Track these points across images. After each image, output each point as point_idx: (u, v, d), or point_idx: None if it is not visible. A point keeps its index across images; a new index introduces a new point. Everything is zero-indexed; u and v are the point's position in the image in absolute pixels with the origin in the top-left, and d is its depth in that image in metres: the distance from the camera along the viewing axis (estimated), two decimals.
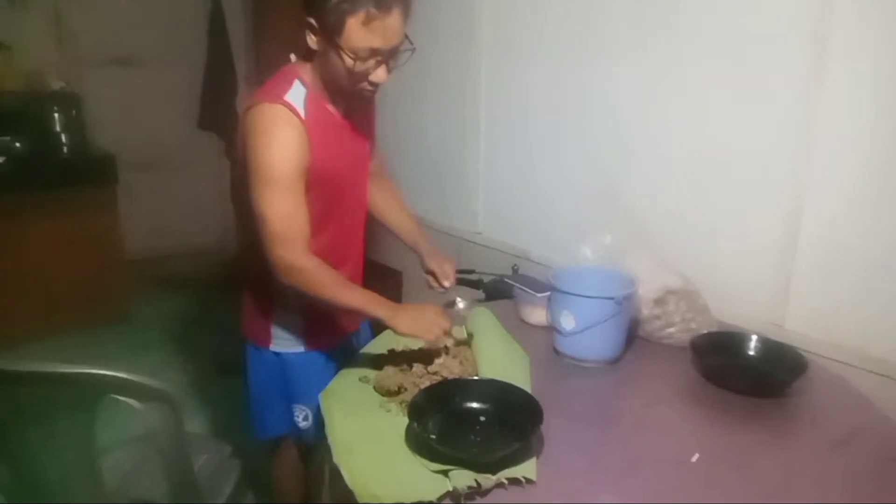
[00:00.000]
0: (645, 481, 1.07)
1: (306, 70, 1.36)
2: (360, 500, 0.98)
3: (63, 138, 3.43)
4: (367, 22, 1.19)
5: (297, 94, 1.32)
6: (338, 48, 1.23)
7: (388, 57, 1.26)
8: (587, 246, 1.60)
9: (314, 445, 1.55)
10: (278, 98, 1.29)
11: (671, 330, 1.53)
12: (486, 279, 1.98)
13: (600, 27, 1.91)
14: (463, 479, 0.99)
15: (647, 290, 1.51)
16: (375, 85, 1.30)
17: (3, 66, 3.42)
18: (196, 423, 2.43)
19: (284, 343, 1.52)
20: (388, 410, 1.23)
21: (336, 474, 1.16)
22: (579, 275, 1.53)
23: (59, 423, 1.10)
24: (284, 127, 1.27)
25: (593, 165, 1.99)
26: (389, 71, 1.28)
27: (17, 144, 3.19)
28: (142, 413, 1.11)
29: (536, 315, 1.64)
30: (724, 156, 1.66)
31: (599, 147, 1.97)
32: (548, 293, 1.54)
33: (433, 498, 0.98)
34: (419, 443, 1.09)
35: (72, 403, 1.08)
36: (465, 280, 2.10)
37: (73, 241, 3.26)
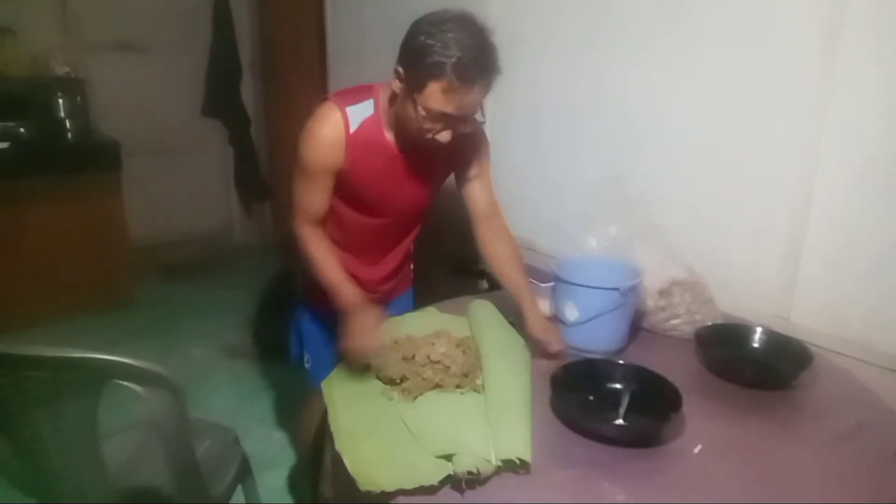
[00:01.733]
0: (647, 471, 1.07)
1: (386, 96, 1.40)
2: (361, 487, 0.98)
3: (67, 124, 3.43)
4: (446, 90, 1.24)
5: (361, 111, 1.41)
6: (414, 101, 1.28)
7: (457, 123, 1.31)
8: (593, 236, 1.60)
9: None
10: (342, 105, 1.40)
11: (676, 322, 1.53)
12: (490, 269, 1.97)
13: (612, 20, 1.88)
14: (464, 464, 0.99)
15: (652, 281, 1.50)
16: (437, 142, 1.33)
17: (8, 51, 3.41)
18: (199, 409, 2.45)
19: (317, 303, 1.65)
20: (391, 398, 1.23)
21: (338, 463, 1.16)
22: (584, 265, 1.52)
23: (63, 408, 1.10)
24: (326, 129, 1.39)
25: (601, 157, 1.98)
26: (455, 134, 1.33)
27: (22, 130, 3.19)
28: (144, 398, 1.11)
29: (540, 305, 1.63)
30: (733, 148, 1.64)
31: (609, 138, 1.95)
32: (552, 283, 1.53)
33: (434, 481, 0.98)
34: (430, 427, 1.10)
35: (75, 388, 1.08)
36: (469, 270, 2.09)
37: (77, 227, 3.26)
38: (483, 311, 1.54)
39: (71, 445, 1.15)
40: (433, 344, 1.33)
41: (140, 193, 3.66)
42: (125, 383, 1.08)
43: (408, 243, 1.73)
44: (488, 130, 2.35)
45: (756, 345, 1.46)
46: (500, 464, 1.02)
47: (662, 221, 1.63)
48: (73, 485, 1.21)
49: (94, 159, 3.34)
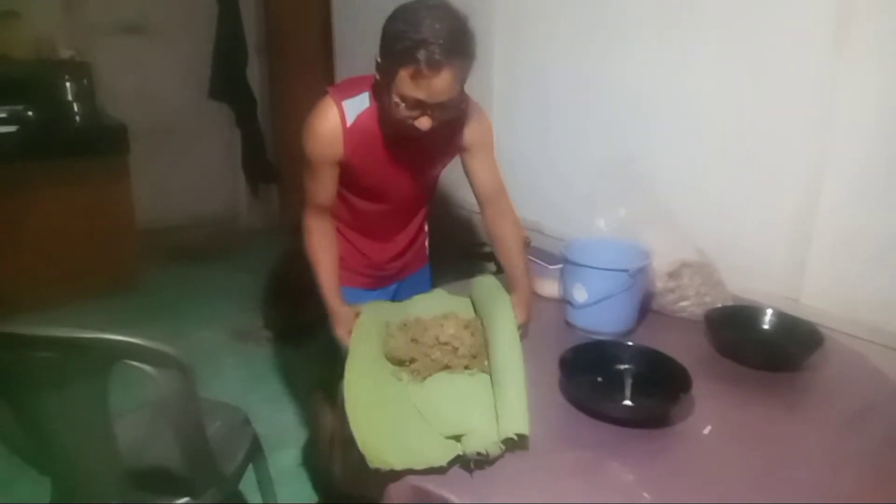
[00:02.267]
0: (655, 452, 1.07)
1: None
2: (371, 465, 0.98)
3: (74, 107, 3.43)
4: (414, 76, 1.25)
5: (357, 104, 1.44)
6: (389, 89, 1.30)
7: (433, 109, 1.31)
8: (601, 218, 1.59)
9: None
10: (339, 99, 1.43)
11: (685, 303, 1.52)
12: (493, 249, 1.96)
13: (620, 0, 1.86)
14: (473, 445, 1.00)
15: (661, 262, 1.50)
16: (418, 130, 1.34)
17: (13, 35, 3.40)
18: (208, 391, 2.46)
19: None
20: (400, 379, 1.24)
21: (348, 443, 1.17)
22: (592, 247, 1.52)
23: (74, 388, 1.11)
24: (323, 124, 1.43)
25: (609, 139, 1.96)
26: (434, 121, 1.33)
27: (29, 113, 3.19)
28: (155, 379, 1.12)
29: (548, 287, 1.63)
30: (743, 128, 1.62)
31: (616, 120, 1.93)
32: (560, 265, 1.53)
33: (443, 462, 0.98)
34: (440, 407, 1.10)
35: (85, 368, 1.09)
36: (477, 253, 2.09)
37: (84, 210, 3.27)
38: (482, 289, 1.53)
39: (82, 425, 1.16)
40: (442, 325, 1.33)
41: (147, 176, 3.65)
42: (135, 364, 1.09)
43: (417, 222, 1.74)
44: (494, 113, 2.35)
45: (766, 326, 1.45)
46: (507, 441, 1.02)
47: (672, 203, 1.62)
48: (84, 464, 1.22)
49: (101, 142, 3.33)
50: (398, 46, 1.25)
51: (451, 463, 1.00)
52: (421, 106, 1.30)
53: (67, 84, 3.40)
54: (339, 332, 1.42)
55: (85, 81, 3.50)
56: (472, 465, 0.99)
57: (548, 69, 2.13)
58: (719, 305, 1.51)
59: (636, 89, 1.86)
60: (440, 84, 1.26)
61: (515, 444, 1.03)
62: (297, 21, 3.83)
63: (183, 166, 4.16)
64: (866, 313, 1.45)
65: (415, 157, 1.51)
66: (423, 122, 1.33)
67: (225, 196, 4.50)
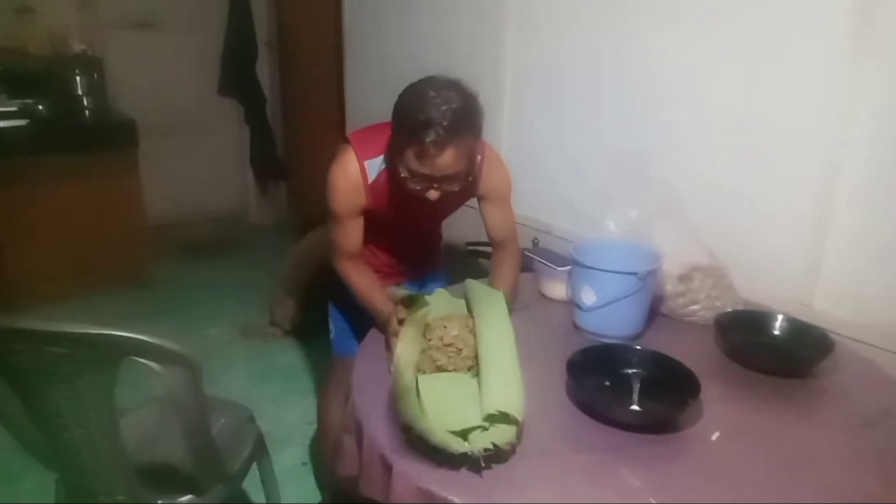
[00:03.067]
0: (664, 457, 1.06)
1: None
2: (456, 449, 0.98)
3: (85, 102, 3.44)
4: (419, 155, 1.30)
5: (378, 163, 1.48)
6: (399, 161, 1.35)
7: (440, 181, 1.35)
8: (611, 219, 1.57)
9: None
10: (361, 156, 1.47)
11: (695, 307, 1.51)
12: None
13: None
14: (481, 442, 0.99)
15: (671, 265, 1.48)
16: (427, 199, 1.38)
17: (27, 29, 3.42)
18: (214, 387, 2.47)
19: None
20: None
21: (349, 444, 1.17)
22: (601, 248, 1.51)
23: (82, 383, 1.11)
24: (346, 181, 1.47)
25: (623, 134, 1.94)
26: (442, 192, 1.37)
27: (40, 107, 3.20)
28: (162, 375, 1.12)
29: (556, 289, 1.62)
30: (757, 128, 1.61)
31: (629, 117, 1.92)
32: (568, 267, 1.52)
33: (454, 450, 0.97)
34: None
35: (93, 364, 1.09)
36: (484, 252, 2.08)
37: (93, 205, 3.28)
38: (475, 290, 1.52)
39: (89, 420, 1.17)
40: (445, 327, 1.32)
41: (156, 172, 3.67)
42: (142, 360, 1.09)
43: (431, 239, 1.82)
44: (505, 110, 2.34)
45: (776, 331, 1.43)
46: (491, 445, 1.00)
47: (683, 203, 1.61)
48: (91, 459, 1.22)
49: (111, 138, 3.35)
50: (405, 125, 1.30)
51: (461, 465, 0.99)
52: (428, 179, 1.34)
53: (78, 79, 3.42)
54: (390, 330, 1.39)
55: (96, 76, 3.52)
56: (482, 463, 0.98)
57: (560, 64, 2.12)
58: (730, 310, 1.49)
59: (650, 85, 1.84)
60: (445, 161, 1.30)
61: (506, 421, 1.01)
62: (306, 17, 3.83)
63: (192, 162, 4.18)
64: (880, 319, 1.44)
65: (431, 207, 1.52)
66: (431, 194, 1.37)
67: (234, 192, 4.51)
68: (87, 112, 3.43)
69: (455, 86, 1.32)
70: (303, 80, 4.06)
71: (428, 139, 1.26)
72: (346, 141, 1.51)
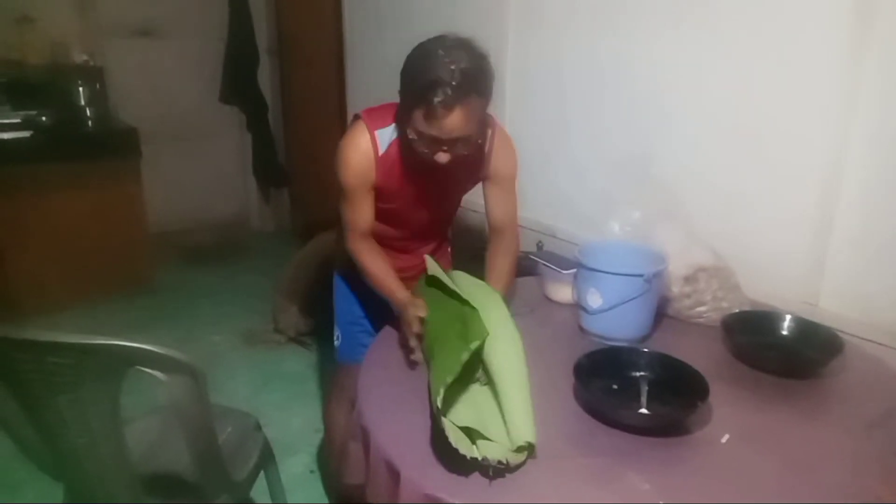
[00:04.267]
0: (672, 460, 1.05)
1: None
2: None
3: (87, 111, 3.45)
4: (427, 116, 1.27)
5: (389, 133, 1.45)
6: (407, 124, 1.34)
7: (449, 144, 1.33)
8: (615, 221, 1.57)
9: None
10: (372, 127, 1.45)
11: (702, 308, 1.50)
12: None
13: None
14: (493, 452, 0.98)
15: (677, 267, 1.48)
16: (437, 163, 1.36)
17: (29, 40, 3.43)
18: (218, 394, 2.47)
19: (339, 269, 1.77)
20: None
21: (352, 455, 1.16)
22: (607, 251, 1.50)
23: (86, 393, 1.11)
24: (357, 152, 1.45)
25: (626, 135, 1.94)
26: (451, 155, 1.34)
27: (43, 118, 3.21)
28: (166, 384, 1.11)
29: (562, 292, 1.62)
30: (761, 127, 1.60)
31: (634, 117, 1.91)
32: (574, 270, 1.51)
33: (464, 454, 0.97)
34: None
35: (98, 374, 1.09)
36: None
37: (96, 214, 3.29)
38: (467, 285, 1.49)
39: (94, 430, 1.16)
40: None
41: (158, 180, 3.68)
42: (147, 370, 1.08)
43: (441, 234, 1.77)
44: (507, 110, 2.34)
45: (784, 332, 1.43)
46: (524, 455, 1.00)
47: (687, 204, 1.60)
48: (96, 469, 1.22)
49: (113, 146, 3.36)
50: (413, 86, 1.27)
51: (469, 470, 0.98)
52: (437, 142, 1.32)
53: (80, 88, 3.43)
54: (406, 318, 1.36)
55: (97, 86, 3.53)
56: (491, 473, 0.97)
57: (562, 66, 2.12)
58: (736, 311, 1.48)
59: (652, 87, 1.84)
60: (453, 123, 1.28)
61: (529, 452, 1.01)
62: (307, 24, 3.84)
63: (194, 169, 4.19)
64: (887, 318, 1.43)
65: (440, 185, 1.53)
66: (442, 157, 1.34)
67: (236, 199, 4.51)
68: (89, 121, 3.44)
69: (465, 45, 1.29)
70: (304, 86, 4.06)
71: (435, 99, 1.23)
72: (355, 117, 1.49)
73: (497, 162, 1.53)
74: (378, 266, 1.53)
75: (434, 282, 1.45)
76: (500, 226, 1.60)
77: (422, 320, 1.33)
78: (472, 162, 1.47)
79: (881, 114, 1.39)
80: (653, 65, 1.83)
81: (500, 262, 1.59)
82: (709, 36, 1.68)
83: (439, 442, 1.01)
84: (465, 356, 1.07)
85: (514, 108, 2.32)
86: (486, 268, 1.60)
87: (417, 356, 1.31)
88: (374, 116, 1.46)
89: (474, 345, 1.10)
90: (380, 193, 1.51)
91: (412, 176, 1.48)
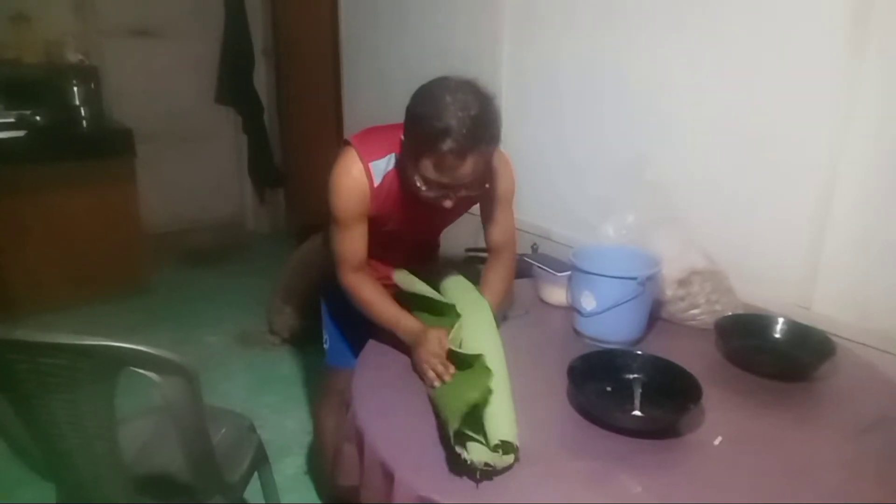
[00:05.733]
0: (665, 463, 1.05)
1: None
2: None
3: (82, 111, 3.44)
4: (438, 165, 1.23)
5: (383, 165, 1.40)
6: (413, 168, 1.28)
7: (457, 190, 1.29)
8: (610, 224, 1.57)
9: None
10: (366, 157, 1.39)
11: (695, 311, 1.51)
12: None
13: None
14: (481, 454, 0.99)
15: (671, 270, 1.48)
16: (441, 206, 1.32)
17: (24, 38, 3.42)
18: (213, 396, 2.46)
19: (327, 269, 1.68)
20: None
21: (350, 455, 1.16)
22: (601, 254, 1.51)
23: (80, 394, 1.11)
24: (352, 184, 1.39)
25: (620, 142, 1.95)
26: (457, 201, 1.32)
27: (37, 118, 3.21)
28: (160, 385, 1.11)
29: (556, 295, 1.62)
30: (757, 132, 1.61)
31: (630, 120, 1.92)
32: (568, 272, 1.52)
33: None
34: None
35: (91, 375, 1.08)
36: (484, 259, 2.07)
37: (91, 214, 3.28)
38: (455, 289, 1.51)
39: (87, 431, 1.16)
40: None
41: (154, 180, 3.67)
42: (141, 371, 1.08)
43: (430, 248, 1.78)
44: (504, 115, 2.33)
45: (777, 335, 1.43)
46: (510, 457, 1.01)
47: (683, 207, 1.61)
48: (89, 470, 1.21)
49: (108, 146, 3.35)
50: (422, 133, 1.22)
51: (461, 471, 0.98)
52: (445, 188, 1.28)
53: (75, 88, 3.42)
54: (424, 355, 1.28)
55: (92, 85, 3.52)
56: (478, 476, 0.98)
57: (559, 69, 2.12)
58: (730, 314, 1.49)
59: (650, 89, 1.85)
60: (465, 171, 1.24)
61: (508, 450, 1.01)
62: (304, 26, 3.84)
63: (190, 170, 4.18)
64: (880, 322, 1.43)
65: (438, 214, 1.48)
66: (446, 203, 1.31)
67: (231, 200, 4.51)
68: (84, 121, 3.44)
69: (471, 88, 1.25)
70: (300, 87, 4.06)
71: (447, 149, 1.19)
72: (345, 144, 1.44)
73: (496, 184, 1.49)
74: (377, 298, 1.45)
75: (411, 298, 1.44)
76: (499, 245, 1.56)
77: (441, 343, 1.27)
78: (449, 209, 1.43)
79: (877, 120, 1.39)
80: (649, 68, 1.83)
81: (497, 280, 1.56)
82: (706, 40, 1.69)
83: (445, 447, 1.01)
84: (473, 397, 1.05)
85: (510, 109, 2.32)
86: (482, 283, 1.57)
87: (444, 377, 1.22)
88: (367, 145, 1.41)
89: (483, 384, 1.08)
90: (374, 220, 1.46)
91: (408, 206, 1.44)
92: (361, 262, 1.47)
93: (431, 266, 1.85)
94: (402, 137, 1.31)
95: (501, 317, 1.49)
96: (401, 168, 1.38)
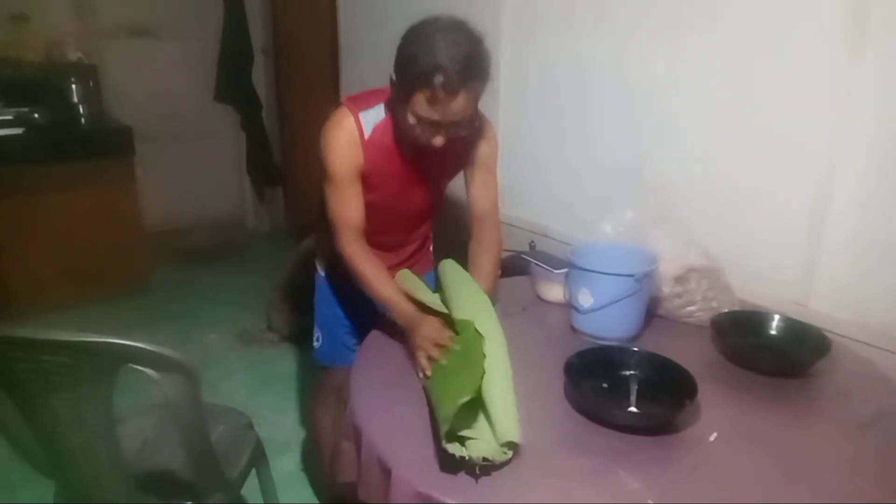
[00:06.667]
0: (662, 459, 1.06)
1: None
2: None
3: (81, 109, 3.44)
4: (430, 100, 1.27)
5: (373, 115, 1.44)
6: (405, 108, 1.32)
7: (447, 127, 1.33)
8: (608, 222, 1.58)
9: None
10: (355, 110, 1.43)
11: (692, 308, 1.51)
12: (503, 255, 1.96)
13: None
14: (479, 450, 0.99)
15: (668, 267, 1.49)
16: (433, 146, 1.36)
17: (23, 37, 3.42)
18: (213, 394, 2.47)
19: (320, 268, 1.76)
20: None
21: (347, 452, 1.16)
22: (599, 251, 1.51)
23: (80, 391, 1.11)
24: (343, 136, 1.42)
25: (618, 140, 1.95)
26: (447, 138, 1.34)
27: (36, 116, 3.20)
28: (160, 383, 1.12)
29: (554, 292, 1.63)
30: (755, 131, 1.62)
31: (628, 121, 1.92)
32: (565, 269, 1.52)
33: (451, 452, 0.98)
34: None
35: (92, 372, 1.09)
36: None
37: (90, 213, 3.28)
38: (451, 279, 1.50)
39: (87, 428, 1.16)
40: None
41: (153, 179, 3.66)
42: (140, 368, 1.09)
43: (424, 232, 1.75)
44: (500, 113, 2.35)
45: (773, 332, 1.44)
46: (509, 452, 1.01)
47: (681, 206, 1.61)
48: (90, 468, 1.22)
49: (107, 145, 3.34)
50: (414, 71, 1.26)
51: (458, 468, 0.99)
52: (436, 125, 1.32)
53: (73, 86, 3.42)
54: (419, 340, 1.28)
55: (91, 84, 3.52)
56: (477, 471, 0.98)
57: (557, 66, 2.12)
58: (726, 311, 1.49)
59: (647, 88, 1.85)
60: (456, 107, 1.28)
61: (511, 449, 1.02)
62: (303, 24, 3.84)
63: (189, 169, 4.18)
64: (876, 319, 1.44)
65: (427, 170, 1.52)
66: (438, 140, 1.34)
67: (231, 199, 4.51)
68: (83, 120, 3.43)
69: (461, 27, 1.29)
70: (299, 86, 4.06)
71: (439, 84, 1.23)
72: (339, 105, 1.47)
73: (482, 149, 1.54)
74: (375, 273, 1.44)
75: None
76: (484, 213, 1.59)
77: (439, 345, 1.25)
78: (460, 146, 1.47)
79: (875, 119, 1.40)
80: (648, 68, 1.84)
81: (486, 258, 1.57)
82: (704, 40, 1.69)
83: (435, 441, 1.01)
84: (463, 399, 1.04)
85: (508, 107, 2.33)
86: (470, 263, 1.57)
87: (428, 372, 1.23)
88: (357, 101, 1.46)
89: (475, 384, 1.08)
90: (365, 182, 1.48)
91: (399, 161, 1.47)
92: (360, 226, 1.46)
93: (425, 260, 1.84)
94: (393, 76, 1.33)
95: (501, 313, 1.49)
96: (392, 110, 1.41)
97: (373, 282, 1.43)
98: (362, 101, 1.46)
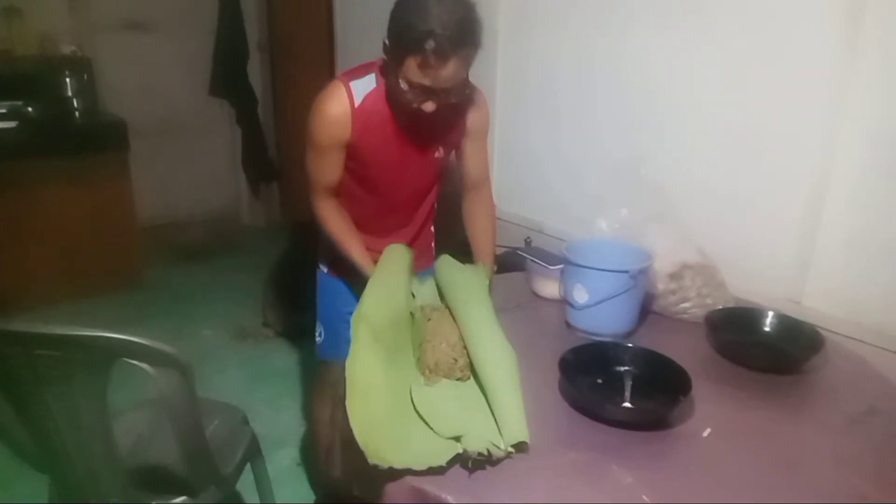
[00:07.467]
0: (655, 454, 1.06)
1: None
2: (370, 460, 0.97)
3: (75, 103, 3.43)
4: (422, 66, 1.29)
5: (365, 84, 1.46)
6: (396, 73, 1.34)
7: (439, 93, 1.35)
8: (604, 218, 1.58)
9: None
10: (346, 80, 1.46)
11: (686, 305, 1.52)
12: (499, 251, 1.96)
13: None
14: (474, 444, 0.99)
15: (663, 264, 1.49)
16: (424, 112, 1.38)
17: (16, 31, 3.40)
18: (208, 389, 2.46)
19: (322, 264, 1.76)
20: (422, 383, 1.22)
21: (348, 443, 1.16)
22: (594, 247, 1.51)
23: (74, 386, 1.11)
24: (333, 104, 1.44)
25: (614, 137, 1.95)
26: (439, 104, 1.37)
27: (30, 109, 3.19)
28: (154, 377, 1.12)
29: (549, 288, 1.63)
30: (750, 129, 1.62)
31: (624, 119, 1.92)
32: (561, 266, 1.52)
33: (443, 461, 0.97)
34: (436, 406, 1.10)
35: (86, 366, 1.09)
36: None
37: (85, 208, 3.27)
38: (450, 275, 1.51)
39: (82, 423, 1.16)
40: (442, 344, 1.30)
41: (147, 174, 3.66)
42: (135, 362, 1.09)
43: (421, 218, 1.73)
44: (497, 110, 2.34)
45: (767, 328, 1.44)
46: (511, 450, 1.01)
47: (676, 203, 1.62)
48: (84, 461, 1.22)
49: (102, 139, 3.33)
50: (406, 36, 1.28)
51: (451, 463, 0.99)
52: (427, 91, 1.34)
53: (68, 80, 3.40)
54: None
55: (85, 77, 3.50)
56: (470, 465, 0.98)
57: (555, 65, 2.12)
58: (720, 307, 1.50)
59: (644, 86, 1.85)
60: (447, 73, 1.30)
61: (515, 447, 1.02)
62: (298, 19, 3.82)
63: (184, 164, 4.16)
64: (869, 316, 1.45)
65: (420, 141, 1.53)
66: (429, 106, 1.36)
67: (226, 194, 4.49)
68: (77, 114, 3.42)
69: None
70: (294, 81, 4.05)
71: (431, 49, 1.25)
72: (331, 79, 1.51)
73: (474, 117, 1.56)
74: (345, 233, 1.56)
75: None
76: (477, 180, 1.66)
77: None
78: (452, 116, 1.49)
79: (871, 119, 1.40)
80: (644, 66, 1.84)
81: (483, 229, 1.68)
82: (700, 38, 1.70)
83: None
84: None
85: (505, 105, 2.32)
86: (468, 228, 1.68)
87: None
88: (349, 72, 1.49)
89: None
90: (356, 154, 1.49)
91: (392, 128, 1.48)
92: (333, 185, 1.53)
93: (427, 254, 1.83)
94: (386, 42, 1.35)
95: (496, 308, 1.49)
96: (385, 74, 1.42)
97: (343, 243, 1.56)
98: (353, 72, 1.49)
